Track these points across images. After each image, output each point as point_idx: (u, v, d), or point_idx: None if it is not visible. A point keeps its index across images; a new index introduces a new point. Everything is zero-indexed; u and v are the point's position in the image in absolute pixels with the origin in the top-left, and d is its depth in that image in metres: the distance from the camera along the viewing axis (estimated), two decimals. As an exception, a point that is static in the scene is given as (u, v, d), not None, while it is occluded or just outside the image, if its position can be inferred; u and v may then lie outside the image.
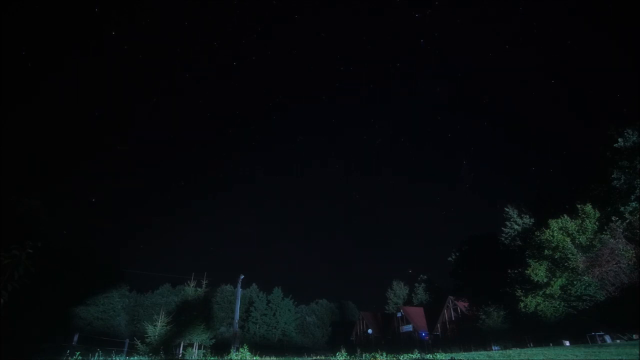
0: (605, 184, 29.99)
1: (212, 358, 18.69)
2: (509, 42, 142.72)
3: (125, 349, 24.92)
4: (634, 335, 23.98)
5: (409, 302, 64.39)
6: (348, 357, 15.62)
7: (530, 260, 30.08)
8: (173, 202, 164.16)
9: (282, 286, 67.82)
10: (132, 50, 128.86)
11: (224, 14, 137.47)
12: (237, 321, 29.34)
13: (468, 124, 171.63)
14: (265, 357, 20.32)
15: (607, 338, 24.62)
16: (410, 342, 46.92)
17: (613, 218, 28.24)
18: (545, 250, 28.96)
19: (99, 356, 18.23)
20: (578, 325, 27.42)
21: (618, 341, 23.66)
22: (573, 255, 27.97)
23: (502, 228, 37.77)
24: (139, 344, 20.54)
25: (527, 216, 36.57)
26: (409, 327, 52.25)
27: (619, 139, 29.36)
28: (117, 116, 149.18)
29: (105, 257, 45.13)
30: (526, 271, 29.71)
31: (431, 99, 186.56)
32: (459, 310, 45.46)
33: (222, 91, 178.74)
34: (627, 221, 27.73)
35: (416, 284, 65.88)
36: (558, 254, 28.42)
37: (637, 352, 13.56)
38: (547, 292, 29.18)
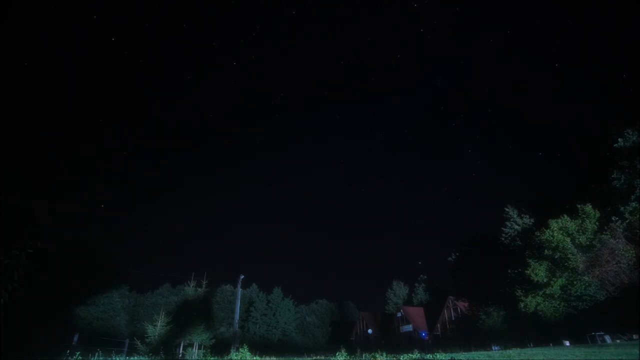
0: (605, 184, 30.01)
1: (212, 358, 18.66)
2: (509, 38, 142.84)
3: (125, 349, 24.89)
4: (634, 335, 23.96)
5: (409, 302, 64.31)
6: (348, 357, 15.60)
7: (530, 260, 30.08)
8: (174, 202, 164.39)
9: (282, 286, 67.99)
10: (133, 53, 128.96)
11: (224, 14, 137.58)
12: (237, 321, 29.37)
13: (468, 123, 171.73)
14: (265, 357, 20.30)
15: (607, 338, 24.59)
16: (410, 342, 46.86)
17: (613, 218, 28.25)
18: (545, 250, 28.97)
19: (99, 356, 18.24)
20: (578, 325, 27.39)
21: (618, 341, 23.64)
22: (573, 255, 27.97)
23: (502, 228, 37.75)
24: (139, 344, 20.57)
25: (527, 216, 36.55)
26: (409, 327, 52.19)
27: (619, 139, 29.40)
28: (118, 118, 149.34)
29: (105, 257, 45.07)
30: (526, 271, 29.71)
31: (431, 97, 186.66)
32: (459, 310, 45.41)
33: (222, 92, 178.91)
34: (627, 221, 27.74)
35: (416, 284, 65.81)
36: (558, 254, 28.43)
37: (637, 352, 13.56)
38: (547, 292, 29.19)
